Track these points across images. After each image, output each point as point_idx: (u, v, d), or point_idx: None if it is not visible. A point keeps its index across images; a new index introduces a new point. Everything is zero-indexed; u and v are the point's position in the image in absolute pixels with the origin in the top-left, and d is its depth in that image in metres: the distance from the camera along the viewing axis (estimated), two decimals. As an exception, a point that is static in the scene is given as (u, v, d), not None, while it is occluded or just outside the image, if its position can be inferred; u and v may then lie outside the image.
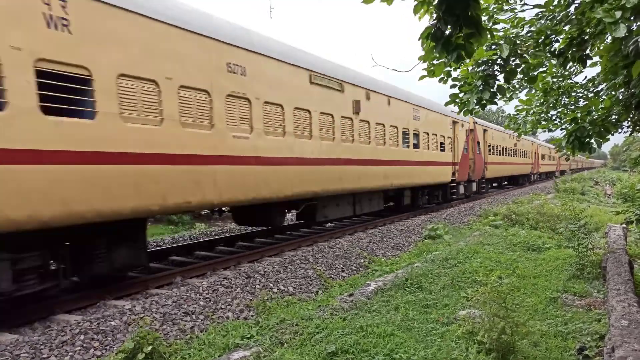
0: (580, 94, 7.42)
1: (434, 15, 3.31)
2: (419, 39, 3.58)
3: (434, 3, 3.20)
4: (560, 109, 7.64)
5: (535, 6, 5.39)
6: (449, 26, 3.24)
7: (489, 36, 3.91)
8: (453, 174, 18.63)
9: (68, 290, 6.31)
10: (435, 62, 4.60)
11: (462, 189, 20.45)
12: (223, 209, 10.62)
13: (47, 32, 5.10)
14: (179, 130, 6.68)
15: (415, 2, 3.35)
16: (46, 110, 5.11)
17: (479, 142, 22.59)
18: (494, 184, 32.34)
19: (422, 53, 4.16)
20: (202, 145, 7.03)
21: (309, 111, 9.53)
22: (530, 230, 12.71)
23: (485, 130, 24.24)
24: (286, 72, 8.97)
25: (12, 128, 4.82)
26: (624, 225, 10.84)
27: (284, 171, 8.81)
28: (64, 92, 5.29)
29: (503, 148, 28.14)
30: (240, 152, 7.75)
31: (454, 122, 19.10)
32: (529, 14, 5.59)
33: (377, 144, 12.62)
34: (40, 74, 5.05)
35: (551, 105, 7.37)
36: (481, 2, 3.33)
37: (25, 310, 5.61)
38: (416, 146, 15.39)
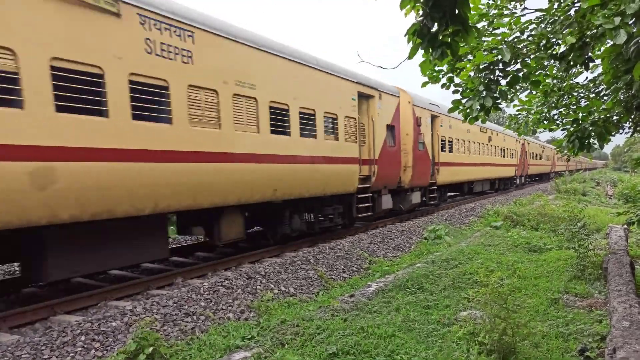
0: (582, 94, 7.43)
1: (421, 12, 3.29)
2: (405, 35, 3.54)
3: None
4: (561, 109, 7.65)
5: (536, 10, 5.40)
6: (435, 23, 3.22)
7: (476, 34, 3.88)
8: (366, 178, 12.02)
9: (68, 290, 6.32)
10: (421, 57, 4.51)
11: (385, 202, 13.27)
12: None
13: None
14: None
15: None
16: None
17: (421, 133, 15.50)
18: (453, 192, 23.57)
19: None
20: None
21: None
22: (532, 231, 12.71)
23: (435, 117, 16.97)
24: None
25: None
26: (625, 226, 10.82)
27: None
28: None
29: (468, 142, 21.10)
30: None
31: (366, 96, 12.17)
32: (529, 18, 5.57)
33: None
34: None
35: (552, 105, 7.38)
36: (470, 1, 3.31)
37: (26, 311, 5.61)
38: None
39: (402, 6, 3.38)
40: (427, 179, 16.31)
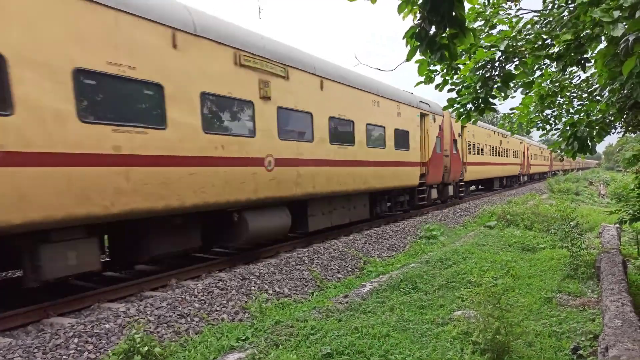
0: (575, 94, 7.47)
1: (418, 15, 3.31)
2: (403, 38, 3.56)
3: (419, 2, 3.20)
4: (555, 109, 7.69)
5: (531, 11, 5.42)
6: (433, 26, 3.24)
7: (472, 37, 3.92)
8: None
9: (61, 292, 6.28)
10: (416, 59, 4.55)
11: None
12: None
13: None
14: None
15: (400, 1, 3.34)
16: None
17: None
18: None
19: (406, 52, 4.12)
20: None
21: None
22: (525, 230, 12.77)
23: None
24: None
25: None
26: (618, 225, 10.90)
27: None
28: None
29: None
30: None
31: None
32: (525, 19, 5.62)
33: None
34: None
35: (546, 105, 7.41)
36: (468, 1, 3.32)
37: (19, 314, 5.57)
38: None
39: (399, 10, 3.39)
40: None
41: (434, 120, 16.93)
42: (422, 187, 16.16)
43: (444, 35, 3.34)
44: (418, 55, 3.79)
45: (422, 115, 16.04)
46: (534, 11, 5.43)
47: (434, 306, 6.29)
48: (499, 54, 5.13)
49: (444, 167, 18.01)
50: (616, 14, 3.74)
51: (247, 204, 8.31)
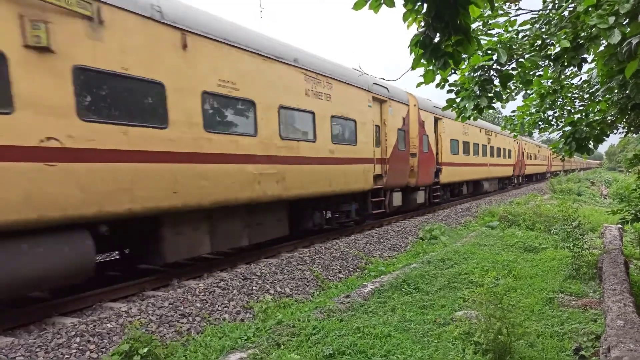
0: (576, 95, 7.46)
1: (423, 23, 3.31)
2: (408, 47, 3.58)
3: (423, 11, 3.20)
4: (556, 110, 7.68)
5: (530, 11, 5.42)
6: (437, 33, 3.24)
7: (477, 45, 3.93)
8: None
9: (63, 292, 6.29)
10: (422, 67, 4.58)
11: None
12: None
13: None
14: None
15: (405, 10, 3.35)
16: None
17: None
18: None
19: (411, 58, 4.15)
20: None
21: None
22: (527, 230, 12.75)
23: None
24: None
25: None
26: (620, 226, 10.89)
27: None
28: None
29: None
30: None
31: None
32: (524, 19, 5.62)
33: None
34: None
35: (547, 106, 7.41)
36: (471, 13, 3.32)
37: (21, 313, 5.58)
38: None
39: (404, 18, 3.40)
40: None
41: (396, 110, 13.80)
42: (379, 192, 13.01)
43: (448, 42, 3.35)
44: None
45: (379, 102, 12.92)
46: (533, 11, 5.43)
47: (435, 306, 6.28)
48: (495, 57, 5.11)
49: (411, 167, 14.95)
50: (611, 20, 3.74)
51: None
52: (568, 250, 8.31)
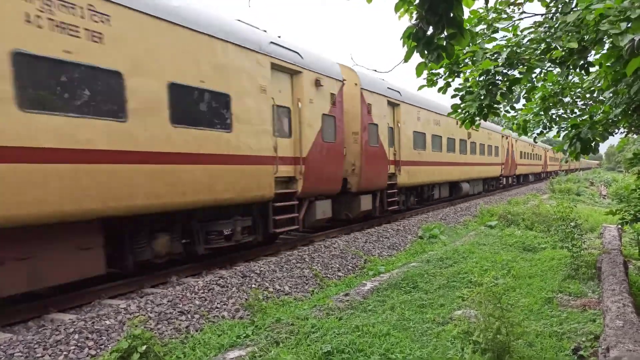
0: (579, 95, 7.46)
1: (415, 15, 3.28)
2: (400, 39, 3.54)
3: (416, 2, 3.17)
4: (560, 110, 7.68)
5: (534, 15, 5.41)
6: (430, 26, 3.22)
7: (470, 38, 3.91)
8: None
9: (63, 289, 6.28)
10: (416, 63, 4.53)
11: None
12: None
13: None
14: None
15: (397, 0, 3.31)
16: None
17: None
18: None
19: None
20: None
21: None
22: (526, 230, 12.75)
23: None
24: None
25: None
26: (619, 226, 10.88)
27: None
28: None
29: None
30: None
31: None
32: (529, 22, 5.66)
33: None
34: None
35: (550, 105, 7.40)
36: (464, 4, 3.29)
37: (19, 309, 5.57)
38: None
39: (396, 9, 3.37)
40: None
41: (319, 86, 9.97)
42: (291, 202, 9.45)
43: (441, 35, 3.33)
44: (418, 58, 3.78)
45: (288, 73, 9.33)
46: (537, 15, 5.42)
47: (434, 305, 6.28)
48: (502, 59, 5.09)
49: (352, 166, 11.85)
50: (623, 25, 3.72)
51: None
52: (567, 250, 8.32)
